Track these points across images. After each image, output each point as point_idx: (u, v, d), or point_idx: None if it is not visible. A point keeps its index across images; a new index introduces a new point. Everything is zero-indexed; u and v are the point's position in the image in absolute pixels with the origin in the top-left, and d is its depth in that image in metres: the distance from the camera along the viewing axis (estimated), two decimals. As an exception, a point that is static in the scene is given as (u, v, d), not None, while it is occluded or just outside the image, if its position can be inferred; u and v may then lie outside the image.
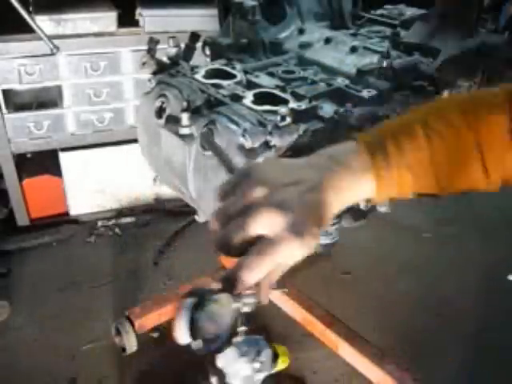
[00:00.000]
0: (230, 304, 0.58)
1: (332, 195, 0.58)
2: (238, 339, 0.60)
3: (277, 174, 0.60)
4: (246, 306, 0.59)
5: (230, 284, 0.56)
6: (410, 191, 0.64)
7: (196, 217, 1.14)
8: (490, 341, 1.73)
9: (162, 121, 1.07)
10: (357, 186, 0.61)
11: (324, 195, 0.58)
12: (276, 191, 0.57)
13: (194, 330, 0.56)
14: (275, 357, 0.63)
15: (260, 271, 0.55)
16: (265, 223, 0.55)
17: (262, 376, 0.61)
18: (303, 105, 1.00)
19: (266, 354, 0.60)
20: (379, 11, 1.59)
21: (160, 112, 1.09)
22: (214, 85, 1.11)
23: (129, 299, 1.83)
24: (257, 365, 0.59)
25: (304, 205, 0.56)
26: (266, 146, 0.89)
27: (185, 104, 1.00)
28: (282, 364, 0.67)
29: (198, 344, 0.57)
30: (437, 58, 1.16)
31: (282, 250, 0.55)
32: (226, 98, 1.06)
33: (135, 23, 2.04)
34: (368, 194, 0.62)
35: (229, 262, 1.80)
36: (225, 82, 1.12)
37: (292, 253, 0.55)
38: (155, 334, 1.73)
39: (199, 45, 1.28)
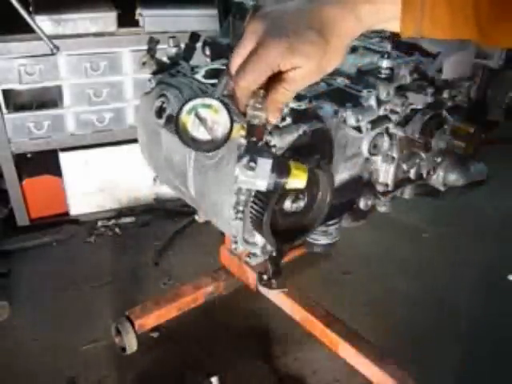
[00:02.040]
0: (223, 112, 0.62)
1: (346, 11, 0.55)
2: (241, 148, 0.63)
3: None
4: (253, 117, 0.60)
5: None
6: (443, 29, 0.55)
7: (196, 217, 1.14)
8: (490, 341, 1.73)
9: (162, 121, 1.07)
10: (378, 5, 0.55)
11: (333, 9, 0.54)
12: (263, 9, 0.57)
13: (183, 131, 0.61)
14: (285, 171, 0.64)
15: (253, 74, 0.55)
16: (251, 32, 0.55)
17: (262, 183, 0.62)
18: (303, 105, 1.00)
19: (263, 162, 0.62)
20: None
21: (160, 112, 1.09)
22: (213, 85, 1.11)
23: (129, 299, 1.83)
24: (250, 172, 0.61)
25: (300, 13, 0.54)
26: (266, 145, 0.89)
27: (185, 104, 1.00)
28: (295, 180, 0.67)
29: (187, 143, 0.61)
30: (437, 58, 1.16)
31: (267, 51, 0.54)
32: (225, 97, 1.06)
33: (135, 23, 2.04)
34: (392, 19, 0.56)
35: (230, 261, 1.81)
36: (225, 82, 1.12)
37: (280, 55, 0.54)
38: (155, 334, 1.73)
39: (199, 45, 1.28)
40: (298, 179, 0.67)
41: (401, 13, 0.55)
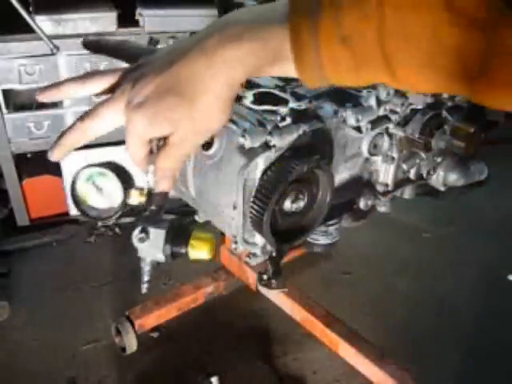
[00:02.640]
0: (115, 180, 0.61)
1: (212, 60, 0.47)
2: (144, 215, 0.61)
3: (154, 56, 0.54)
4: (150, 183, 0.59)
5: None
6: (350, 77, 0.46)
7: (196, 217, 1.14)
8: (490, 341, 1.73)
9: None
10: (259, 53, 0.46)
11: (197, 61, 0.48)
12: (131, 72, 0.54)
13: (81, 201, 0.60)
14: (183, 242, 0.62)
15: (132, 148, 0.53)
16: (120, 94, 0.52)
17: (159, 255, 0.60)
18: (303, 105, 1.00)
19: (157, 233, 0.60)
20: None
21: (160, 112, 1.08)
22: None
23: (129, 299, 1.83)
24: (144, 243, 0.60)
25: (161, 72, 0.49)
26: (266, 146, 0.89)
27: (185, 104, 0.99)
28: (196, 252, 0.63)
29: (85, 212, 0.61)
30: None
31: (133, 125, 0.51)
32: (225, 97, 1.06)
33: (135, 23, 2.04)
34: (284, 68, 0.47)
35: (230, 261, 1.81)
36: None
37: (145, 127, 0.51)
38: (155, 334, 1.73)
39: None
40: (198, 251, 0.63)
41: (298, 76, 0.47)
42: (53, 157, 0.60)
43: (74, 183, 0.60)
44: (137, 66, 0.55)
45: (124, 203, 0.61)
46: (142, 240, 0.58)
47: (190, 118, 0.50)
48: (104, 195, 0.60)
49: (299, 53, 0.45)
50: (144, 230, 0.59)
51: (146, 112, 0.50)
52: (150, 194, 0.59)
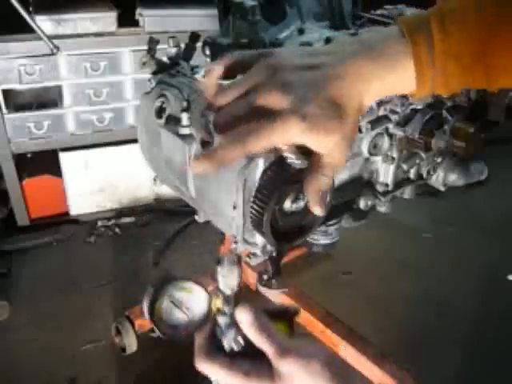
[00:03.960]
0: (200, 292, 0.59)
1: (356, 84, 0.53)
2: (222, 319, 0.59)
3: (292, 57, 0.55)
4: (227, 288, 0.57)
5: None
6: (456, 86, 0.55)
7: (196, 217, 1.14)
8: (490, 341, 1.73)
9: (162, 121, 1.07)
10: (391, 76, 0.54)
11: (343, 83, 0.53)
12: (283, 72, 0.53)
13: (159, 320, 0.58)
14: None
15: (267, 142, 0.51)
16: (265, 103, 0.52)
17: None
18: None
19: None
20: (379, 11, 1.59)
21: (160, 112, 1.08)
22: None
23: (129, 299, 1.83)
24: (232, 344, 0.59)
25: (314, 89, 0.52)
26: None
27: (185, 104, 0.99)
28: None
29: (163, 330, 0.59)
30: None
31: (287, 125, 0.50)
32: (225, 97, 1.06)
33: (135, 23, 2.04)
34: (405, 86, 0.55)
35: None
36: (225, 82, 1.12)
37: (291, 132, 0.51)
38: (155, 334, 1.73)
39: (199, 45, 1.28)
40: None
41: (416, 87, 0.55)
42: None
43: (152, 303, 0.57)
44: (278, 68, 0.54)
45: (208, 314, 0.61)
46: (239, 344, 0.59)
47: (342, 132, 0.53)
48: (183, 309, 0.59)
49: (421, 82, 0.54)
50: (239, 334, 0.58)
51: (306, 118, 0.51)
52: (225, 299, 0.58)
